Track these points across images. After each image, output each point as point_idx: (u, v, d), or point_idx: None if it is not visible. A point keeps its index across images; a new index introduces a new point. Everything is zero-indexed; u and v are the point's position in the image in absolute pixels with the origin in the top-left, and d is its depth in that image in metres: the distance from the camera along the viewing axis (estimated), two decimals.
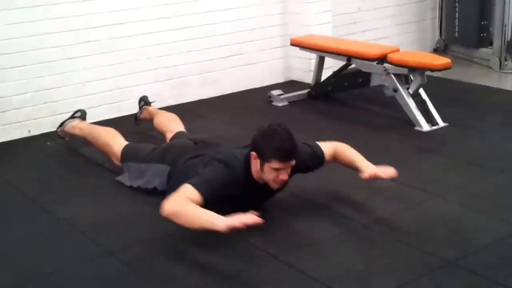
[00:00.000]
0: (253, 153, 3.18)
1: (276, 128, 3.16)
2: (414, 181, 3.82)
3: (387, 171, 3.31)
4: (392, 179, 3.81)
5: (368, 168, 3.34)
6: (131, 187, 3.81)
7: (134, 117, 4.84)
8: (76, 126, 4.49)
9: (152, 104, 4.81)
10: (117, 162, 3.98)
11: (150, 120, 4.59)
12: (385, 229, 3.07)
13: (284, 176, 3.16)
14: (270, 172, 3.14)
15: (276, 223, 3.31)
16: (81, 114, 4.59)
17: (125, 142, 4.02)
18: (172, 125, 4.25)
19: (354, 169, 3.41)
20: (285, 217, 3.25)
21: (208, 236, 3.26)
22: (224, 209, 2.96)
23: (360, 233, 3.16)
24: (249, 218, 2.79)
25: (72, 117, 4.59)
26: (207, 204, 3.04)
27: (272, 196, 3.38)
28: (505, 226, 3.27)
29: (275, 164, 3.11)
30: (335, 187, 3.73)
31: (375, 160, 4.17)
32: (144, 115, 4.76)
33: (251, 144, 3.23)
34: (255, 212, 2.83)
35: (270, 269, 2.93)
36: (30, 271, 3.03)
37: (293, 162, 3.16)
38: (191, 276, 2.93)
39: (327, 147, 3.53)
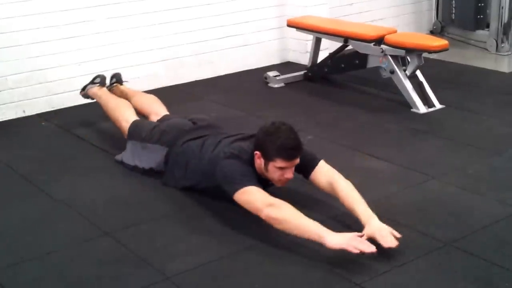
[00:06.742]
0: (257, 153, 3.11)
1: (279, 126, 3.08)
2: (411, 163, 3.82)
3: (387, 240, 2.82)
4: (388, 162, 3.84)
5: (369, 223, 2.92)
6: (127, 165, 3.79)
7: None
8: (95, 93, 4.37)
9: (124, 83, 4.57)
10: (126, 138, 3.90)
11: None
12: (381, 211, 3.05)
13: (289, 174, 3.11)
14: (275, 171, 3.09)
15: None
16: (101, 80, 4.46)
17: (134, 118, 3.95)
18: (157, 108, 4.15)
19: (354, 215, 3.04)
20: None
21: (204, 217, 3.28)
22: None
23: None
24: (366, 246, 2.71)
25: (92, 82, 4.47)
26: None
27: (270, 187, 3.33)
28: (501, 207, 3.28)
29: (279, 163, 3.05)
30: None
31: (372, 142, 4.21)
32: (113, 93, 4.45)
33: (254, 140, 3.16)
34: (362, 234, 2.79)
35: (269, 251, 2.93)
36: (26, 252, 3.02)
37: (298, 160, 3.10)
38: (188, 256, 2.92)
39: (328, 168, 3.24)
